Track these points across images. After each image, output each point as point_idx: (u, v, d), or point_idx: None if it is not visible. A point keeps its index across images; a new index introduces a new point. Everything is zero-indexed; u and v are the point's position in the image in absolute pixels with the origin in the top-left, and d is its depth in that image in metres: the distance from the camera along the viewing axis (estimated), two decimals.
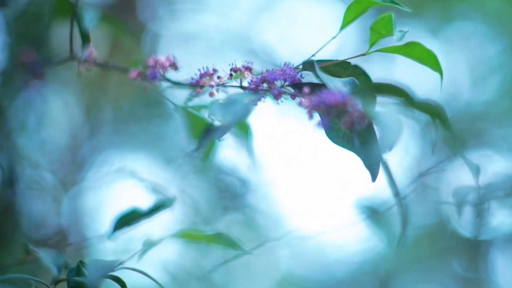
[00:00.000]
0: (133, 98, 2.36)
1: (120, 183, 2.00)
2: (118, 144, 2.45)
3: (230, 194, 2.33)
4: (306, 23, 2.51)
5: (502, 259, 2.07)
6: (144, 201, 0.94)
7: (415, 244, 2.41)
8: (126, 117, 2.46)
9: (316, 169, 2.28)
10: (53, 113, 2.23)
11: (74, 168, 2.25)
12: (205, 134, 0.63)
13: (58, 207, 2.06)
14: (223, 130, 0.64)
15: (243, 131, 1.07)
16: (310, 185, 2.33)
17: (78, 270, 0.66)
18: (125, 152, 2.46)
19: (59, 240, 2.02)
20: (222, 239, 0.71)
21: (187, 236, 0.74)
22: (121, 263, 0.67)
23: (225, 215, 2.36)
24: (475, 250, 2.16)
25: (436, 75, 0.77)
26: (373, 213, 1.32)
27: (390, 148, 0.57)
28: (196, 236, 0.74)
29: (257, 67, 0.79)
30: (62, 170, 2.19)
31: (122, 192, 2.02)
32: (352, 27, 0.83)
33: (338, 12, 2.47)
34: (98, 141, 2.35)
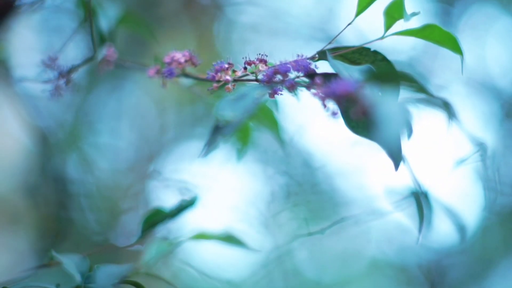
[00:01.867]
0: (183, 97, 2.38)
1: (163, 184, 2.03)
2: (171, 143, 2.48)
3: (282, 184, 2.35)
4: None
5: None
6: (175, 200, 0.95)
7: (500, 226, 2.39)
8: (177, 117, 2.49)
9: (351, 155, 2.28)
10: (109, 117, 2.27)
11: (129, 170, 2.29)
12: (213, 132, 0.64)
13: (111, 209, 2.10)
14: (232, 127, 0.64)
15: (271, 123, 1.08)
16: (348, 172, 2.33)
17: (94, 276, 0.67)
18: (176, 151, 2.49)
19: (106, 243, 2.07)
20: (232, 239, 0.72)
21: (200, 237, 0.75)
22: (136, 268, 0.68)
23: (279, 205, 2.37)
24: None
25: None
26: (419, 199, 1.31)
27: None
28: (208, 236, 0.74)
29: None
30: (117, 172, 2.24)
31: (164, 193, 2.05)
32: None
33: None
34: (153, 141, 2.38)
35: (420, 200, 0.64)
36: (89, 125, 2.33)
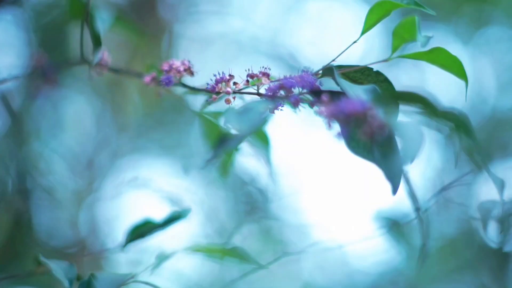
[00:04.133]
0: (152, 103, 2.39)
1: (137, 192, 2.02)
2: (136, 151, 2.48)
3: (250, 204, 2.35)
4: (332, 24, 2.53)
5: None
6: (161, 211, 0.96)
7: (438, 256, 2.42)
8: (145, 123, 2.49)
9: (337, 178, 2.30)
10: (70, 118, 2.26)
11: (90, 175, 2.28)
12: (220, 143, 0.65)
13: (73, 216, 2.09)
14: (238, 139, 0.65)
15: (262, 140, 1.09)
16: (330, 195, 2.35)
17: (89, 283, 0.68)
18: (142, 159, 2.49)
19: (75, 250, 2.06)
20: (238, 254, 0.73)
21: (202, 250, 0.76)
22: (133, 276, 0.69)
23: (245, 226, 2.39)
24: (499, 261, 2.17)
25: (459, 81, 0.78)
26: (394, 226, 1.34)
27: (411, 161, 0.57)
28: (211, 250, 0.75)
29: (282, 71, 0.80)
30: (77, 177, 2.23)
31: (138, 201, 2.05)
32: (376, 30, 0.85)
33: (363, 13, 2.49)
34: (115, 147, 2.38)
35: (421, 221, 0.66)
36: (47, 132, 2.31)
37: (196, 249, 0.76)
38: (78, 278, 0.77)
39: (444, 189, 1.07)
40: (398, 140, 0.70)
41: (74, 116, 2.31)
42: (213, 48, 2.54)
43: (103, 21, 1.02)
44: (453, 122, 0.63)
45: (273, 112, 0.76)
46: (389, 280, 2.49)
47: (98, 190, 2.28)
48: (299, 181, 2.37)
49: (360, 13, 2.54)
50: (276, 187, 2.24)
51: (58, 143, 2.26)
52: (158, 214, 0.94)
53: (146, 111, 2.46)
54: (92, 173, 2.32)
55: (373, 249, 2.25)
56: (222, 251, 0.73)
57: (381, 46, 2.40)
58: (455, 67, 0.77)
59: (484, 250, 2.21)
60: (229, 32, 2.56)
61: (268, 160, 1.12)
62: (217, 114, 1.00)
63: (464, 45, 2.54)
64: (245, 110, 0.68)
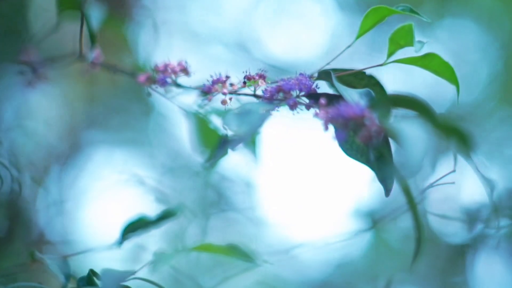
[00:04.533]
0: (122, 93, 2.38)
1: (121, 188, 2.03)
2: (111, 144, 2.48)
3: (230, 201, 2.37)
4: (305, 23, 2.54)
5: (485, 264, 2.11)
6: (149, 208, 0.97)
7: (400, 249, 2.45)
8: (118, 116, 2.49)
9: (322, 177, 2.32)
10: (47, 110, 2.26)
11: (68, 169, 2.28)
12: (220, 145, 0.66)
13: (52, 211, 2.09)
14: (237, 141, 0.67)
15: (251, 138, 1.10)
16: (313, 193, 2.37)
17: (89, 279, 0.69)
18: (119, 153, 2.49)
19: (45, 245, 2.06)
20: (236, 252, 0.74)
21: (201, 248, 0.77)
22: (133, 273, 0.70)
23: (225, 224, 2.39)
24: (460, 256, 2.20)
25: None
26: (375, 222, 1.36)
27: (415, 166, 0.58)
28: (210, 248, 0.76)
29: (250, 67, 0.82)
30: (55, 171, 2.22)
31: (120, 197, 2.06)
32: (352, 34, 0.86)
33: (330, 9, 2.51)
34: (91, 140, 2.38)
35: (416, 221, 0.68)
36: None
37: (196, 248, 0.77)
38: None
39: (429, 186, 1.09)
40: (394, 143, 0.72)
41: (52, 107, 2.31)
42: (180, 41, 2.55)
43: (97, 18, 1.03)
44: (449, 130, 0.65)
45: (270, 114, 0.78)
46: (348, 271, 2.52)
47: (77, 184, 2.28)
48: (285, 180, 2.39)
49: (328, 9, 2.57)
50: (261, 185, 2.25)
51: (36, 135, 2.25)
52: (146, 210, 0.95)
53: (118, 101, 2.47)
54: (72, 166, 2.32)
55: (349, 245, 2.28)
56: (221, 249, 0.74)
57: (358, 48, 2.41)
58: (447, 73, 0.79)
59: (444, 244, 2.24)
60: (199, 25, 2.56)
61: (255, 158, 1.13)
62: (210, 114, 1.01)
63: (423, 37, 2.55)
64: (244, 112, 0.69)
